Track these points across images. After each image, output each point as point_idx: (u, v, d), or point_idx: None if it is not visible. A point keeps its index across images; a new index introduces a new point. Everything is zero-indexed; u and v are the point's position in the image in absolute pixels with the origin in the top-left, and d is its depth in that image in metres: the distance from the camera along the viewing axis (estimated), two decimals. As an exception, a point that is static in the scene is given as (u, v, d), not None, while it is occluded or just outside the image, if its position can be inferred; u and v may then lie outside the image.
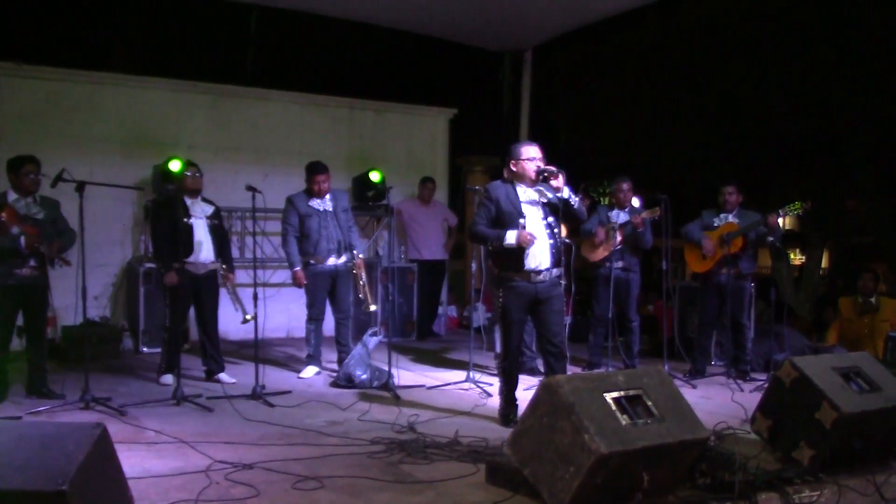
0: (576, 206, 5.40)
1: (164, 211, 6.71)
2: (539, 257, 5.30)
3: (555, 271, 5.37)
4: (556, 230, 5.39)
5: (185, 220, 6.59)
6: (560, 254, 5.43)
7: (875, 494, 4.08)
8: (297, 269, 7.01)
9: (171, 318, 6.66)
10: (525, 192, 5.39)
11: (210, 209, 6.82)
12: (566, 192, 5.31)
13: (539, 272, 5.31)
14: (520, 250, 5.24)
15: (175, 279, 6.50)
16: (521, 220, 5.26)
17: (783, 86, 13.46)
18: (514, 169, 5.45)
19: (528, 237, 5.19)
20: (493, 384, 6.73)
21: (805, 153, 14.32)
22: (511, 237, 5.22)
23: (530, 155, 5.37)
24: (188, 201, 6.69)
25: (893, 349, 6.92)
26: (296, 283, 7.09)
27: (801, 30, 13.02)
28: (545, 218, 5.38)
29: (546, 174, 5.27)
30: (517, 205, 5.34)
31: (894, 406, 4.33)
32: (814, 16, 12.79)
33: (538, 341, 5.71)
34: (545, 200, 5.40)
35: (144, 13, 13.74)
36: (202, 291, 6.76)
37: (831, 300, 11.18)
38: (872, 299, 8.26)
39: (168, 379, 6.60)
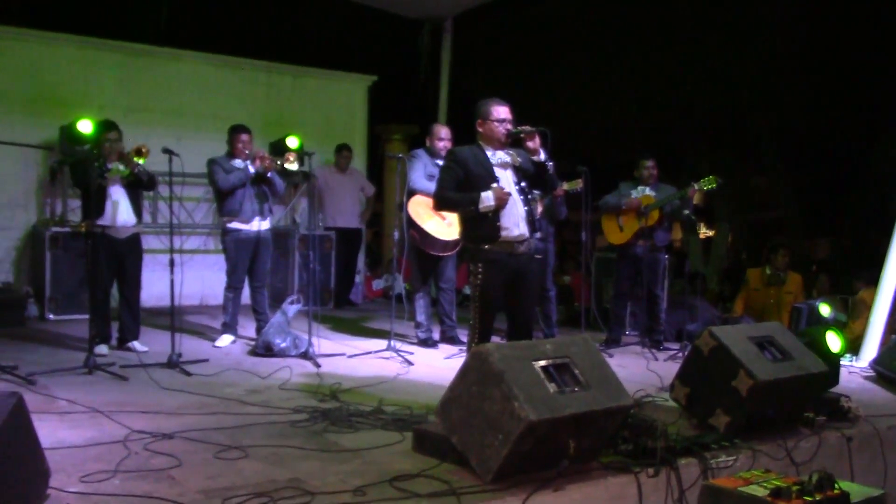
0: (551, 171, 4.95)
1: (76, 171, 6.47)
2: (517, 225, 4.83)
3: (533, 242, 4.96)
4: (530, 196, 4.96)
5: (101, 181, 6.29)
6: (536, 221, 5.02)
7: (786, 458, 4.25)
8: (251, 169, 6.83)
9: (93, 285, 6.39)
10: (495, 155, 4.90)
11: (121, 166, 6.39)
12: (542, 156, 4.89)
13: (520, 242, 4.85)
14: (494, 217, 4.75)
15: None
16: (494, 185, 4.76)
17: (694, 62, 13.78)
18: (480, 130, 4.93)
19: (505, 194, 4.74)
20: (414, 353, 6.76)
21: (714, 130, 14.74)
22: (488, 198, 4.70)
23: (500, 116, 4.86)
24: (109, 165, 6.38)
25: (798, 320, 7.22)
26: (263, 162, 6.88)
27: (713, 7, 13.33)
28: (518, 183, 4.91)
29: (522, 135, 4.84)
30: (489, 168, 4.85)
31: (805, 374, 4.52)
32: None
33: (508, 326, 5.10)
34: (517, 164, 4.93)
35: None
36: (125, 257, 6.51)
37: (736, 273, 11.61)
38: (782, 273, 8.63)
39: (104, 349, 6.35)
